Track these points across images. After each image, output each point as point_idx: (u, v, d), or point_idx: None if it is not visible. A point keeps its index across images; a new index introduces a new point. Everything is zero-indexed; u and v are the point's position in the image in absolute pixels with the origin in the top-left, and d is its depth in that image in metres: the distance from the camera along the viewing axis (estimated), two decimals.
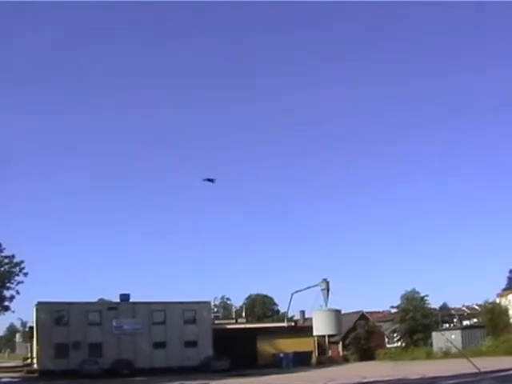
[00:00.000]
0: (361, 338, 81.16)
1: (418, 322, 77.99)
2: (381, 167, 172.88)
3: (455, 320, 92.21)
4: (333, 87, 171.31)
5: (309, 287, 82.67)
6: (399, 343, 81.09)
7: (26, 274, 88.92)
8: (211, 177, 57.65)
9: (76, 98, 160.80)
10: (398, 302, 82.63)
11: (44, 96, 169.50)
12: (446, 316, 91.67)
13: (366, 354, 78.45)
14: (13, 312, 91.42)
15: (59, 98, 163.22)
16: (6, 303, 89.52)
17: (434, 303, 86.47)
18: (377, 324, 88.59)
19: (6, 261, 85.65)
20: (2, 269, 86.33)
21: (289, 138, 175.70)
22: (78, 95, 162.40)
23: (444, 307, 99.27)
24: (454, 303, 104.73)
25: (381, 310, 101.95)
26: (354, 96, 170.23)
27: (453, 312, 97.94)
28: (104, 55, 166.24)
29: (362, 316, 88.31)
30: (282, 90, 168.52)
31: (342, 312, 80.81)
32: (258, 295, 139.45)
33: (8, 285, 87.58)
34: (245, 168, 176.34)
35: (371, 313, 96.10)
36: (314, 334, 78.59)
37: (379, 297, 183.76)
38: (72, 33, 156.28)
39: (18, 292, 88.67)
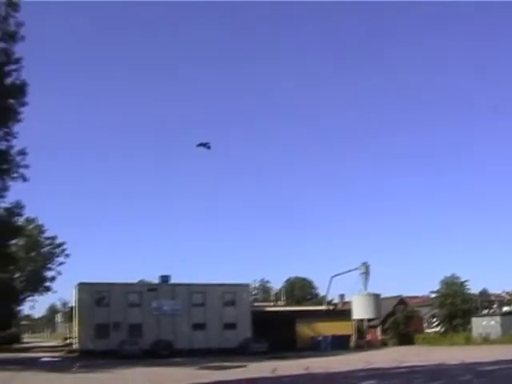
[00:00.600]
0: (399, 322, 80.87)
1: (457, 308, 77.60)
2: (424, 155, 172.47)
3: (495, 306, 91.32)
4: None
5: (348, 271, 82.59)
6: (438, 328, 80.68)
7: (67, 256, 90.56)
8: (206, 142, 56.81)
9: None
10: (437, 286, 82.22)
11: None
12: (485, 302, 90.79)
13: (405, 339, 78.16)
14: (54, 292, 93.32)
15: None
16: (48, 284, 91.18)
17: (474, 289, 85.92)
18: (416, 309, 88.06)
19: (48, 242, 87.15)
20: (44, 250, 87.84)
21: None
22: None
23: (484, 293, 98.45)
24: (494, 289, 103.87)
25: (420, 295, 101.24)
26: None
27: (493, 298, 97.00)
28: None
29: (401, 301, 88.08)
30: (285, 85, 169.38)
31: (382, 296, 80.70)
32: (297, 278, 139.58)
33: (49, 266, 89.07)
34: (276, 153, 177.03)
35: (410, 297, 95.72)
36: (353, 317, 78.62)
37: (419, 281, 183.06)
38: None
39: (59, 273, 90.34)
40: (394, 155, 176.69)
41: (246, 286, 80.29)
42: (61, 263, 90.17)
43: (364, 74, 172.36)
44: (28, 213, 77.10)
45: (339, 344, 72.51)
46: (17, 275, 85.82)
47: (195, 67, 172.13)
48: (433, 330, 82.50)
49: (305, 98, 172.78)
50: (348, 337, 77.47)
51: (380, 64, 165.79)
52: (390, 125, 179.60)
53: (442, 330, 78.94)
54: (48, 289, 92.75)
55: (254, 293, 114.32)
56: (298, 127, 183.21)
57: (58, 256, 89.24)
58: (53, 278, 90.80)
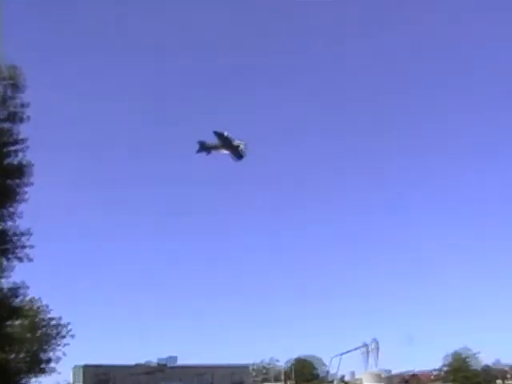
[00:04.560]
0: None
1: (470, 382, 76.48)
2: None
3: (498, 381, 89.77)
4: None
5: (357, 348, 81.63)
6: None
7: (72, 336, 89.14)
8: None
9: None
10: (449, 360, 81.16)
11: None
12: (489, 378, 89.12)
13: None
14: (59, 373, 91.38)
15: None
16: (52, 365, 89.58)
17: (487, 359, 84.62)
18: None
19: (53, 323, 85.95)
20: (49, 330, 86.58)
21: None
22: None
23: (497, 363, 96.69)
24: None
25: (430, 369, 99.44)
26: None
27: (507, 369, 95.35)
28: None
29: (413, 376, 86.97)
30: None
31: (392, 372, 79.48)
32: (307, 356, 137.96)
33: (54, 346, 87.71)
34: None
35: (421, 372, 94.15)
36: None
37: (429, 355, 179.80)
38: None
39: (64, 354, 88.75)
40: None
41: (255, 365, 79.19)
42: (65, 344, 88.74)
43: None
44: (34, 293, 76.27)
45: None
46: (15, 356, 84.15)
47: None
48: None
49: None
50: None
51: None
52: None
53: None
54: (52, 370, 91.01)
55: (263, 372, 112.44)
56: None
57: (64, 337, 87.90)
58: (58, 359, 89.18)
